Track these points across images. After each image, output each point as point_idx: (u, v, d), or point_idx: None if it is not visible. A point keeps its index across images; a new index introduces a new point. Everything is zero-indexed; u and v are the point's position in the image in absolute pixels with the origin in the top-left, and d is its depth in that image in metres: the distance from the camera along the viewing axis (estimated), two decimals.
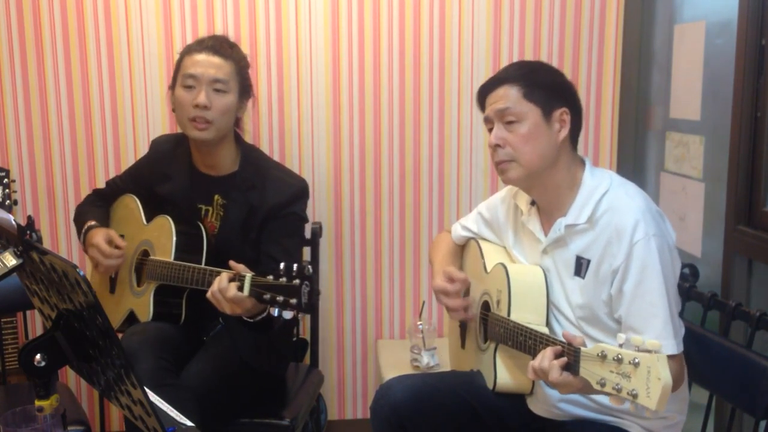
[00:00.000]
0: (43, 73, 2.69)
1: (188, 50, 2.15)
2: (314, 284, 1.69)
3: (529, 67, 1.79)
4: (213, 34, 2.30)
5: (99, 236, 2.13)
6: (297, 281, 1.67)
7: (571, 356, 1.44)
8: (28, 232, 1.30)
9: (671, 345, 1.57)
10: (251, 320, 1.92)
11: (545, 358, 1.48)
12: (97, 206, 2.33)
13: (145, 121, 2.74)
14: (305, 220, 2.24)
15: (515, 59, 2.77)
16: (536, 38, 2.78)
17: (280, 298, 1.69)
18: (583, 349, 1.41)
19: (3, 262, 1.30)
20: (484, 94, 1.79)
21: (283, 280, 1.69)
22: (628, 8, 2.78)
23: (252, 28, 2.70)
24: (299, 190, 2.20)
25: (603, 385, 1.34)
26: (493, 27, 2.77)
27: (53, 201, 2.76)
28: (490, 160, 1.81)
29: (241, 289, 1.78)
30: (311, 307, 1.69)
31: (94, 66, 2.69)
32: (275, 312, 1.71)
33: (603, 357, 1.34)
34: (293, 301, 1.68)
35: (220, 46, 2.13)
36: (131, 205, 2.28)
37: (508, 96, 1.71)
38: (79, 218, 2.29)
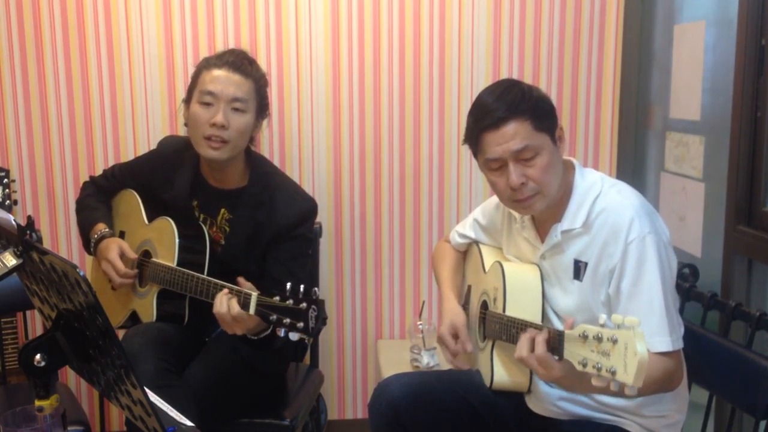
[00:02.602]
0: (43, 73, 2.69)
1: (207, 64, 2.09)
2: (321, 309, 1.67)
3: (520, 94, 1.65)
4: (213, 42, 2.24)
5: (113, 251, 2.09)
6: (304, 305, 1.66)
7: (555, 339, 1.44)
8: (28, 232, 1.30)
9: (666, 341, 1.57)
10: (254, 338, 1.92)
11: (528, 335, 1.50)
12: (102, 202, 2.30)
13: (145, 121, 2.74)
14: (312, 240, 2.22)
15: (515, 59, 2.78)
16: (536, 38, 2.78)
17: (286, 321, 1.68)
18: (567, 331, 1.42)
19: (3, 262, 1.30)
20: (480, 134, 1.65)
21: (290, 302, 1.68)
22: (628, 8, 2.78)
23: (252, 28, 2.70)
24: (308, 211, 2.17)
25: (584, 365, 1.35)
26: (493, 27, 2.77)
27: (53, 201, 2.76)
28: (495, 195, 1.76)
29: (246, 307, 1.77)
30: (318, 332, 1.68)
31: (94, 66, 2.69)
32: (282, 333, 1.70)
33: (584, 337, 1.35)
34: (300, 324, 1.66)
35: (240, 62, 2.07)
36: (132, 201, 2.27)
37: (521, 133, 1.61)
38: (86, 213, 2.26)
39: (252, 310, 1.76)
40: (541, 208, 1.69)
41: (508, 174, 1.64)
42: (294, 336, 1.68)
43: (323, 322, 1.69)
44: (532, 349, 1.48)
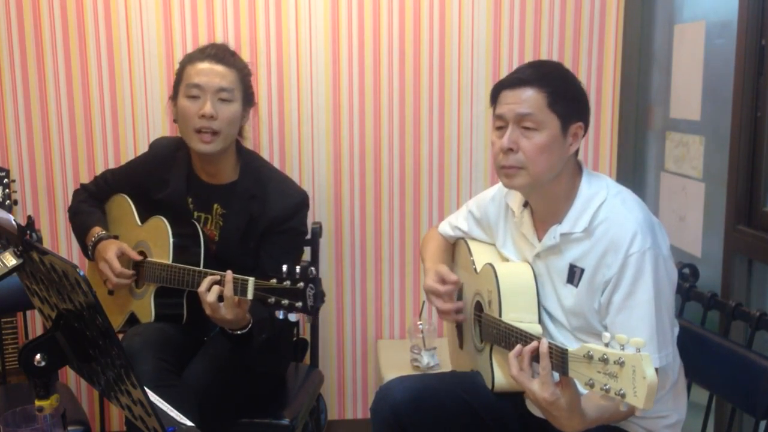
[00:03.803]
0: (43, 73, 2.69)
1: (189, 59, 2.12)
2: (319, 286, 1.68)
3: (555, 72, 1.71)
4: (212, 41, 2.25)
5: (111, 251, 2.10)
6: (301, 284, 1.67)
7: (558, 357, 1.43)
8: (28, 232, 1.30)
9: (654, 359, 1.54)
10: (236, 333, 1.93)
11: (513, 353, 1.50)
12: (95, 207, 2.30)
13: (145, 121, 2.74)
14: (304, 233, 2.23)
15: (515, 59, 2.78)
16: (536, 38, 2.78)
17: (285, 302, 1.69)
18: (570, 350, 1.41)
19: (3, 262, 1.30)
20: (501, 89, 1.71)
21: (287, 283, 1.69)
22: (628, 8, 2.78)
23: (252, 29, 2.70)
24: (299, 202, 2.18)
25: (592, 385, 1.34)
26: (493, 27, 2.77)
27: (53, 201, 2.76)
28: (490, 160, 1.78)
29: (245, 293, 1.78)
30: (317, 310, 1.69)
31: (94, 66, 2.69)
32: (281, 315, 1.71)
33: (590, 358, 1.34)
34: (299, 304, 1.67)
35: (222, 54, 2.11)
36: (124, 205, 2.27)
37: (532, 101, 1.64)
38: (81, 218, 2.26)
39: (250, 294, 1.77)
40: (520, 184, 1.69)
41: (504, 136, 1.67)
42: (293, 317, 1.69)
43: (322, 300, 1.70)
44: (522, 366, 1.48)
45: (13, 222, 1.41)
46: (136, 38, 2.69)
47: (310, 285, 1.67)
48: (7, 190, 2.52)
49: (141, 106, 2.73)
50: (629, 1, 2.78)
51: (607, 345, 1.33)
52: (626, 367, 1.28)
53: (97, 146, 2.75)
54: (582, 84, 1.74)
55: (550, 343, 1.47)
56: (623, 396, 1.28)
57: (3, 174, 2.52)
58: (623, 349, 1.29)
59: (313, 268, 1.69)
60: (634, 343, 1.28)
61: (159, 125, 2.74)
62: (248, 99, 2.17)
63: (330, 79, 2.75)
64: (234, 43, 2.67)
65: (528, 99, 1.65)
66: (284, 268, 1.70)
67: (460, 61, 2.77)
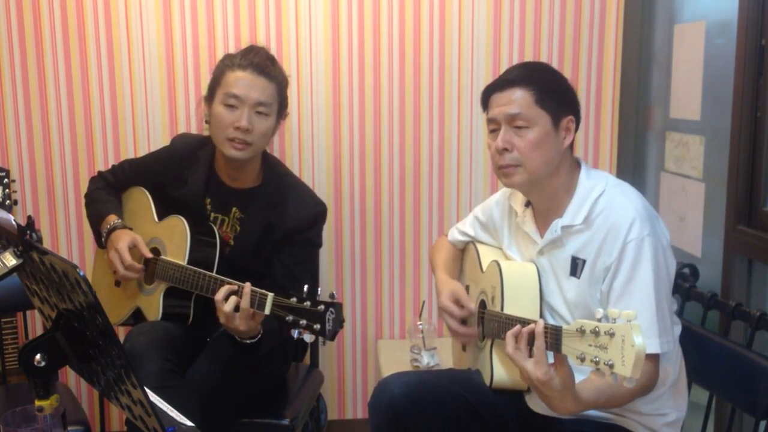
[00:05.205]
0: (43, 73, 2.69)
1: (231, 64, 2.08)
2: (339, 312, 1.67)
3: (540, 71, 1.76)
4: (252, 44, 2.19)
5: (124, 241, 2.08)
6: (322, 307, 1.66)
7: (552, 335, 1.44)
8: (28, 232, 1.30)
9: (654, 343, 1.57)
10: (245, 341, 1.92)
11: (511, 332, 1.51)
12: (112, 195, 2.28)
13: (145, 121, 2.74)
14: (318, 245, 2.23)
15: (515, 59, 2.78)
16: (536, 38, 2.78)
17: (302, 322, 1.68)
18: (564, 326, 1.42)
19: (3, 262, 1.31)
20: (490, 93, 1.76)
21: (307, 304, 1.68)
22: (628, 8, 2.78)
23: (252, 28, 2.70)
24: (318, 214, 2.18)
25: (582, 359, 1.36)
26: (493, 27, 2.77)
27: (53, 201, 2.76)
28: (490, 160, 1.79)
29: (262, 307, 1.77)
30: (335, 335, 1.68)
31: (94, 66, 2.69)
32: (295, 334, 1.70)
33: (582, 332, 1.36)
34: (317, 326, 1.66)
35: (264, 64, 2.08)
36: (142, 199, 2.26)
37: (520, 100, 1.68)
38: (97, 206, 2.24)
39: (267, 310, 1.76)
40: (519, 182, 1.72)
41: (498, 137, 1.71)
42: (308, 338, 1.68)
43: (340, 325, 1.68)
44: (518, 346, 1.49)
45: (13, 222, 1.41)
46: (136, 38, 2.69)
47: (331, 309, 1.66)
48: (7, 190, 2.52)
49: (141, 106, 2.73)
50: (629, 1, 2.78)
51: (600, 320, 1.34)
52: (616, 337, 1.29)
53: (97, 146, 2.75)
54: (571, 82, 1.78)
55: (545, 324, 1.48)
56: (611, 366, 1.29)
57: (3, 174, 2.52)
58: (615, 322, 1.30)
59: (334, 292, 1.69)
60: (626, 315, 1.29)
61: (159, 125, 2.74)
62: (282, 111, 2.16)
63: (330, 78, 2.75)
64: (234, 43, 2.67)
65: (516, 99, 1.69)
66: (305, 288, 1.69)
67: (460, 61, 2.78)
